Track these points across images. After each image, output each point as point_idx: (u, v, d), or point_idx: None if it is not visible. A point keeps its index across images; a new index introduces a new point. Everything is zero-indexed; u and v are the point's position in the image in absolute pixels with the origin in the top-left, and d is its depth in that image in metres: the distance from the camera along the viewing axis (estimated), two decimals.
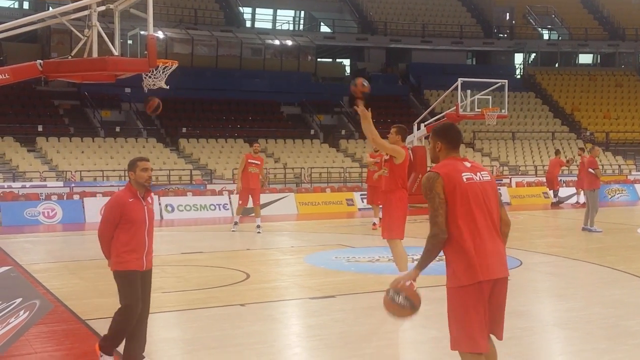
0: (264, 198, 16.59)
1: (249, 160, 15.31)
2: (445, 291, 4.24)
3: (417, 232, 16.61)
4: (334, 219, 18.62)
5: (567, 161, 23.74)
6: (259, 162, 15.40)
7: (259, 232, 15.30)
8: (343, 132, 35.73)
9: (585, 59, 47.94)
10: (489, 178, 4.30)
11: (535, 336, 6.60)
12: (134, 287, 5.43)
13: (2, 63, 28.85)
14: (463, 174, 4.18)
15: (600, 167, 15.92)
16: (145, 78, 11.13)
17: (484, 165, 32.95)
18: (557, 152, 25.37)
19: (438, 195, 4.11)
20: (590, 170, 15.19)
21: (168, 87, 11.13)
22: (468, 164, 4.27)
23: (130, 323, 5.47)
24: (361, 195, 23.09)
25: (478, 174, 4.25)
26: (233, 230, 15.63)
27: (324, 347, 6.34)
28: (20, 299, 8.18)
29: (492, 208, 4.21)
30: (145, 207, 5.45)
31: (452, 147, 4.33)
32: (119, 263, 5.42)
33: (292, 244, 14.22)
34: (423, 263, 4.15)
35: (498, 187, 26.72)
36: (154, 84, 10.81)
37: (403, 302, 4.14)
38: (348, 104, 38.34)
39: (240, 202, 15.56)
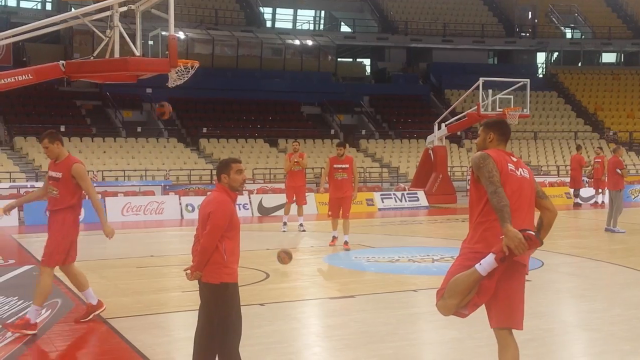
0: (284, 198, 16.66)
1: (291, 159, 15.75)
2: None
3: (437, 232, 16.57)
4: (353, 219, 18.51)
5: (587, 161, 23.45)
6: (300, 159, 15.76)
7: (303, 230, 15.66)
8: (363, 132, 35.68)
9: (608, 57, 47.44)
10: (528, 176, 4.57)
11: (557, 337, 6.54)
12: (237, 301, 4.94)
13: (25, 64, 29.16)
14: (508, 164, 4.49)
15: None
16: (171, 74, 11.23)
17: None
18: (578, 148, 25.19)
19: (491, 164, 4.37)
20: (618, 170, 15.02)
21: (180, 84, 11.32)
22: (514, 159, 4.58)
23: (237, 344, 4.88)
24: (381, 195, 23.02)
25: (519, 169, 4.53)
26: (283, 231, 15.65)
27: (343, 347, 6.33)
28: None
29: (523, 203, 4.47)
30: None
31: (502, 139, 4.64)
32: (227, 274, 4.88)
33: (312, 243, 14.21)
34: (505, 217, 4.21)
35: None
36: (175, 82, 10.92)
37: None
38: (368, 104, 38.29)
39: (287, 200, 15.82)
